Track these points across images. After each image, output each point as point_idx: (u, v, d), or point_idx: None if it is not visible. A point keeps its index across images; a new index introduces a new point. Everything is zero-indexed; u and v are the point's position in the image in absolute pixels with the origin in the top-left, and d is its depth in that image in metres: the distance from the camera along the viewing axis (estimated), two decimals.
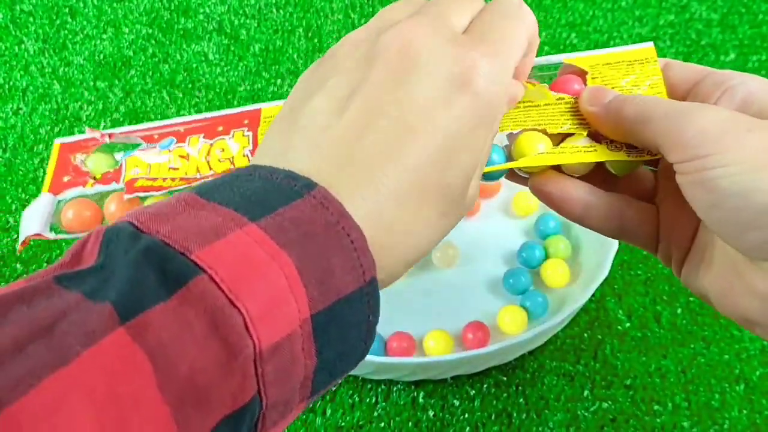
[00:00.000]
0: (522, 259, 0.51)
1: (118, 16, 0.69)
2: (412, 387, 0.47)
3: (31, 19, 0.69)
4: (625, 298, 0.51)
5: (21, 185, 0.57)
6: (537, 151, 0.33)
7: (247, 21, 0.69)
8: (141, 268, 0.22)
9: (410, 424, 0.46)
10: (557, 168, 0.34)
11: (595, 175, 0.35)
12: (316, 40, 0.67)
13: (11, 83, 0.64)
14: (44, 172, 0.57)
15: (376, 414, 0.46)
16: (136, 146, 0.40)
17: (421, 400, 0.46)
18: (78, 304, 0.21)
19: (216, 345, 0.22)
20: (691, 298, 0.50)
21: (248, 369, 0.22)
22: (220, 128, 0.39)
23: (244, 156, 0.38)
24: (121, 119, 0.62)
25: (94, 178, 0.39)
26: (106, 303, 0.21)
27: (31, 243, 0.55)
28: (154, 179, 0.38)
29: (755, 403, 0.46)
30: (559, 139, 0.34)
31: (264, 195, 0.25)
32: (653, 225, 0.34)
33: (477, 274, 0.51)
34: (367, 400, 0.46)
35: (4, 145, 0.60)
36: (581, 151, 0.33)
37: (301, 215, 0.25)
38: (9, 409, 0.19)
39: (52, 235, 0.38)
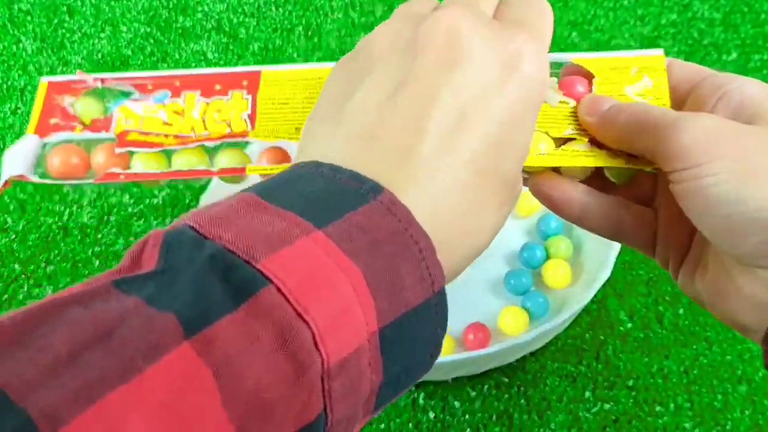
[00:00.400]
0: (523, 260, 0.51)
1: (116, 15, 0.69)
2: (413, 388, 0.47)
3: (28, 18, 0.68)
4: (627, 299, 0.51)
5: (19, 185, 0.57)
6: (539, 152, 0.33)
7: (246, 19, 0.69)
8: (207, 278, 0.21)
9: (410, 425, 0.45)
10: (557, 170, 0.34)
11: (594, 180, 0.34)
12: (315, 39, 0.67)
13: (9, 83, 0.64)
14: None
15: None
16: (128, 95, 0.38)
17: (421, 401, 0.46)
18: (138, 309, 0.20)
19: (283, 360, 0.21)
20: None
21: (315, 385, 0.21)
22: (218, 86, 0.38)
23: (242, 120, 0.37)
24: None
25: (83, 124, 0.37)
26: (170, 313, 0.20)
27: (29, 242, 0.54)
28: (147, 133, 0.37)
29: (758, 404, 0.46)
30: (561, 142, 0.34)
31: (328, 197, 0.24)
32: (651, 228, 0.34)
33: (478, 275, 0.51)
34: None
35: (2, 145, 0.60)
36: (582, 155, 0.33)
37: (369, 222, 0.23)
38: (65, 428, 0.18)
39: (35, 179, 0.36)
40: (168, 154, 0.37)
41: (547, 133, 0.33)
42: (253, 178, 0.34)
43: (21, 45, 0.66)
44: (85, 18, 0.68)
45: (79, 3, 0.69)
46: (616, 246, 0.47)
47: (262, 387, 0.20)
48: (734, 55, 0.65)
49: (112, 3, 0.69)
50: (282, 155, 0.36)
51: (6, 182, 0.36)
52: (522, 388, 0.47)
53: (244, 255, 0.22)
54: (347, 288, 0.22)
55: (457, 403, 0.46)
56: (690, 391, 0.47)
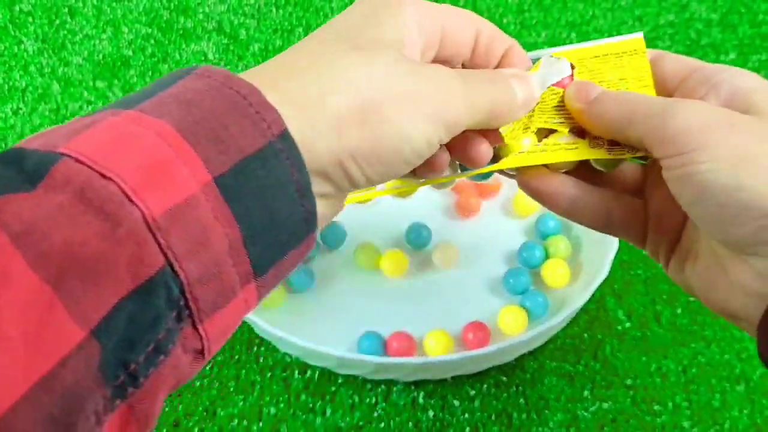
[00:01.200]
0: (522, 259, 0.51)
1: (117, 16, 0.69)
2: (412, 387, 0.47)
3: (30, 19, 0.69)
4: (626, 298, 0.51)
5: None
6: (521, 149, 0.34)
7: (247, 20, 0.69)
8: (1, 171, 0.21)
9: (410, 424, 0.46)
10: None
11: (583, 169, 0.35)
12: None
13: (10, 83, 0.64)
14: None
15: (375, 414, 0.46)
16: None
17: (421, 400, 0.46)
18: None
19: (92, 217, 0.21)
20: (691, 298, 0.50)
21: (142, 237, 0.21)
22: None
23: None
24: None
25: None
26: None
27: None
28: None
29: (756, 402, 0.46)
30: (545, 132, 0.34)
31: (151, 88, 0.24)
32: (640, 219, 0.34)
33: (477, 274, 0.51)
34: (367, 400, 0.46)
35: (3, 146, 0.60)
36: (563, 149, 0.33)
37: (182, 90, 0.23)
38: None
39: None
40: None
41: (528, 128, 0.34)
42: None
43: (22, 46, 0.67)
44: (86, 19, 0.69)
45: (81, 4, 0.70)
46: (614, 245, 0.48)
47: (75, 243, 0.20)
48: (732, 55, 0.66)
49: (114, 4, 0.70)
50: None
51: None
52: (521, 388, 0.47)
53: (43, 148, 0.22)
54: (157, 142, 0.22)
55: (456, 402, 0.46)
56: (688, 390, 0.47)
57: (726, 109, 0.30)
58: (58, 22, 0.68)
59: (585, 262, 0.50)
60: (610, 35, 0.67)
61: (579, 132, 0.34)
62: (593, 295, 0.49)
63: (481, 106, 0.29)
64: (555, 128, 0.34)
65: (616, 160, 0.34)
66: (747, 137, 0.29)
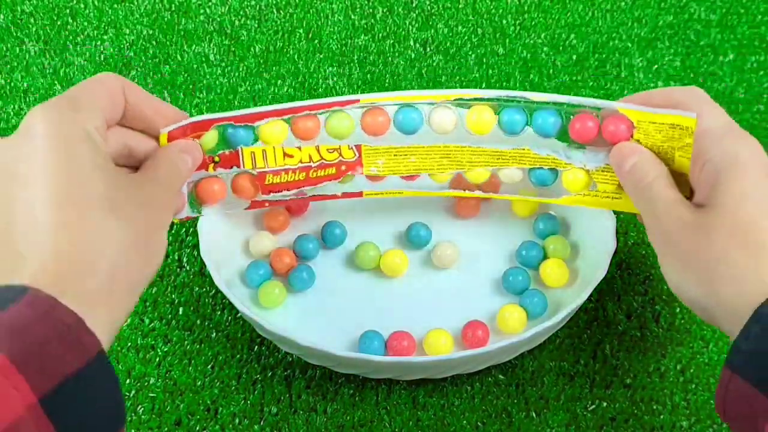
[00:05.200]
0: (521, 259, 0.51)
1: (119, 17, 0.69)
2: (413, 386, 0.47)
3: (31, 20, 0.69)
4: (624, 298, 0.51)
5: None
6: (586, 191, 0.47)
7: (248, 22, 0.69)
8: None
9: (410, 423, 0.46)
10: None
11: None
12: (316, 41, 0.68)
13: (12, 84, 0.64)
14: None
15: (376, 413, 0.46)
16: (247, 128, 0.45)
17: (421, 399, 0.47)
18: None
19: None
20: None
21: None
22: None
23: (349, 149, 0.47)
24: None
25: (214, 161, 0.46)
26: None
27: None
28: (278, 173, 0.47)
29: None
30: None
31: None
32: None
33: (477, 274, 0.51)
34: (368, 399, 0.47)
35: None
36: (610, 197, 0.46)
37: (15, 317, 0.28)
38: None
39: (195, 214, 0.47)
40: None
41: (588, 172, 0.46)
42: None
43: (24, 47, 0.67)
44: (87, 20, 0.69)
45: (82, 5, 0.70)
46: (613, 245, 0.48)
47: None
48: (731, 56, 0.66)
49: (115, 5, 0.70)
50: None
51: (180, 220, 0.47)
52: (520, 387, 0.47)
53: None
54: None
55: (456, 401, 0.47)
56: (687, 389, 0.47)
57: (689, 211, 0.38)
58: (59, 23, 0.69)
59: (583, 262, 0.51)
60: (610, 36, 0.68)
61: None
62: (592, 294, 0.49)
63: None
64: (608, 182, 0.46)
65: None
66: (694, 249, 0.37)
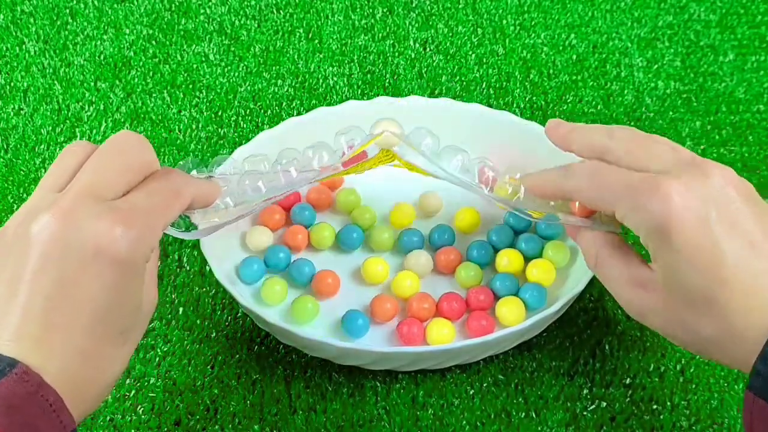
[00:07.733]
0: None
1: (119, 17, 0.69)
2: (413, 386, 0.47)
3: (31, 20, 0.69)
4: None
5: (22, 185, 0.58)
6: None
7: (248, 22, 0.69)
8: None
9: (410, 423, 0.46)
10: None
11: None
12: (316, 41, 0.68)
13: (12, 84, 0.64)
14: (45, 172, 0.58)
15: (376, 412, 0.46)
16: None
17: (420, 398, 0.47)
18: None
19: None
20: None
21: None
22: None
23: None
24: (122, 120, 0.62)
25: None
26: None
27: None
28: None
29: None
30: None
31: None
32: None
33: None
34: (367, 399, 0.47)
35: (5, 146, 0.60)
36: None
37: (7, 391, 0.31)
38: None
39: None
40: None
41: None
42: None
43: (24, 47, 0.67)
44: (87, 20, 0.69)
45: (82, 5, 0.70)
46: None
47: None
48: (731, 56, 0.66)
49: (115, 5, 0.70)
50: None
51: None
52: (520, 387, 0.47)
53: None
54: None
55: (455, 401, 0.47)
56: (686, 389, 0.47)
57: (640, 273, 0.40)
58: (59, 23, 0.69)
59: (580, 258, 0.50)
60: (609, 36, 0.68)
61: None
62: (591, 294, 0.49)
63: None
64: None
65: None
66: (659, 312, 0.39)
